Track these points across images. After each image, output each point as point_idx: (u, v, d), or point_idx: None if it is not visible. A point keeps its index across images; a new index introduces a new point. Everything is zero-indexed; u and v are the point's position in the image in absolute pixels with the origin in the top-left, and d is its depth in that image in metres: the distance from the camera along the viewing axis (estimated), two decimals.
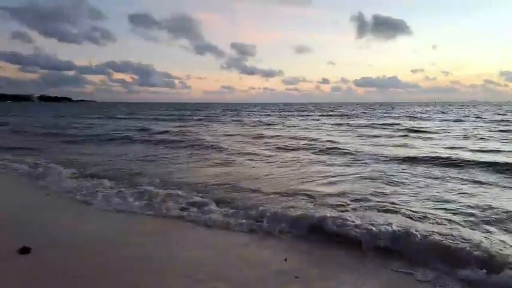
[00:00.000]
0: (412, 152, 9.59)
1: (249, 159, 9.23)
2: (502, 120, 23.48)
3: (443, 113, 39.21)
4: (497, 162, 7.72)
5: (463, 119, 26.64)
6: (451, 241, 3.51)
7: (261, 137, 15.02)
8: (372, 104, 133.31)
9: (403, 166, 7.81)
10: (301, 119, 30.05)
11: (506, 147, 10.50)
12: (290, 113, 43.07)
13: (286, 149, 11.09)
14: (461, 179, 6.57)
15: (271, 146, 11.89)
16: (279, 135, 15.38)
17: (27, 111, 52.53)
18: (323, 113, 41.70)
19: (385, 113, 41.74)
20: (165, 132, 17.52)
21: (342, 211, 4.71)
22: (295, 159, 9.18)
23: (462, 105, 76.48)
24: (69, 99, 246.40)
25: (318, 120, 29.02)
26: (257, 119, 29.73)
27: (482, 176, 6.77)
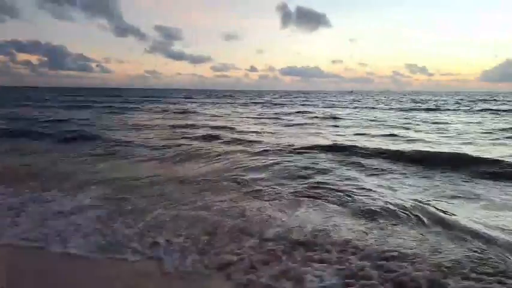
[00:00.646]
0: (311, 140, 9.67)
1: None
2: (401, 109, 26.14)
3: (358, 101, 42.28)
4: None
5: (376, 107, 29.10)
6: None
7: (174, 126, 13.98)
8: (296, 92, 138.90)
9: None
10: (218, 107, 29.53)
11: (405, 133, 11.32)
12: (212, 100, 42.25)
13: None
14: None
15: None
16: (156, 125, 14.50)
17: None
18: (247, 101, 41.89)
19: (306, 101, 43.60)
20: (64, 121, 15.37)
21: None
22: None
23: (378, 94, 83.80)
24: None
25: (236, 107, 28.98)
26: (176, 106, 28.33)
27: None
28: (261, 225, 3.83)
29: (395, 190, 5.28)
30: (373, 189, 5.21)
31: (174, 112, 22.75)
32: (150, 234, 3.62)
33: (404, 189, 5.34)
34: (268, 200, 4.76)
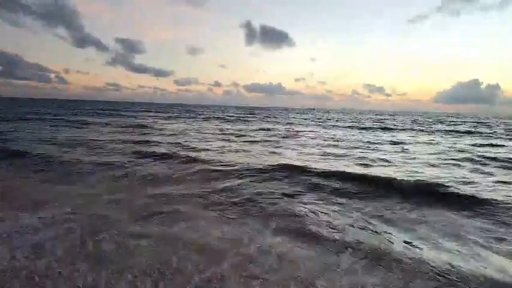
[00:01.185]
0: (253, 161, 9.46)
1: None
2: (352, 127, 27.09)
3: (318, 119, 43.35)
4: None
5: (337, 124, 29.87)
6: None
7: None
8: (260, 108, 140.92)
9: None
10: (179, 122, 28.84)
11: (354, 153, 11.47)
12: (174, 115, 41.37)
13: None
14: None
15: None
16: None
17: None
18: (209, 116, 41.55)
19: (268, 117, 44.02)
20: None
21: None
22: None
23: (338, 112, 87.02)
24: None
25: (198, 122, 28.43)
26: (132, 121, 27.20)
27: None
28: None
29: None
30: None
31: (131, 126, 21.79)
32: None
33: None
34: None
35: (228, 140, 15.63)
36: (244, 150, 12.06)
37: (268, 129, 22.77)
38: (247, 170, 8.16)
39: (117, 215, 4.84)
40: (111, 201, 5.48)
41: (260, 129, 22.66)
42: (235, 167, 8.40)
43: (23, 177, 7.20)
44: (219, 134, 18.93)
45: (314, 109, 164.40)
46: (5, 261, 3.40)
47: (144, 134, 17.58)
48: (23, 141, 12.31)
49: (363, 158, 10.89)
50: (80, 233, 4.13)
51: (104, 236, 4.05)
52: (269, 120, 37.29)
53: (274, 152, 11.76)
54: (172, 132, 18.80)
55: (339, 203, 5.85)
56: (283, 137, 17.82)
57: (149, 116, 36.92)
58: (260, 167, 8.43)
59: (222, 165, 8.72)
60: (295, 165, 8.52)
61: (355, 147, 14.08)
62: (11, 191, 5.98)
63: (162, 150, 11.14)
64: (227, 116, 44.93)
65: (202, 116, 40.60)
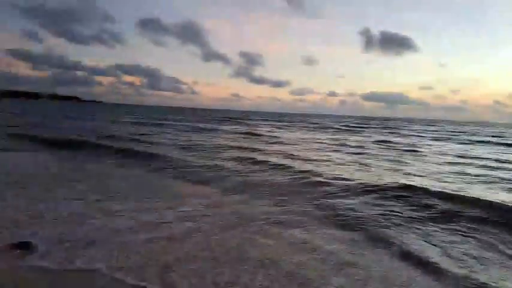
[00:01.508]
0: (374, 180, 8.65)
1: None
2: None
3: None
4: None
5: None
6: None
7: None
8: (378, 118, 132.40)
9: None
10: (293, 131, 29.27)
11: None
12: (288, 124, 42.41)
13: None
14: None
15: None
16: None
17: (60, 113, 46.09)
18: (324, 125, 41.05)
19: (386, 128, 40.90)
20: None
21: None
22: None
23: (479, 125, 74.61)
24: (77, 99, 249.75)
25: (312, 132, 28.34)
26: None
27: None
28: None
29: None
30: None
31: (249, 133, 23.26)
32: None
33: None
34: None
35: (342, 152, 15.06)
36: (360, 164, 11.41)
37: (388, 142, 21.07)
38: (364, 187, 7.64)
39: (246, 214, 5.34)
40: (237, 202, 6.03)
41: (378, 142, 21.17)
42: (351, 182, 7.98)
43: (162, 176, 8.48)
44: (332, 144, 18.47)
45: (443, 121, 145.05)
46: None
47: (260, 142, 18.52)
48: (162, 145, 14.47)
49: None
50: (212, 227, 4.67)
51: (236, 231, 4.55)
52: (389, 131, 34.59)
53: (395, 169, 10.75)
54: (286, 141, 19.24)
55: (476, 238, 4.90)
56: (405, 151, 16.20)
57: (265, 125, 38.80)
58: (379, 184, 7.79)
59: (336, 179, 8.41)
60: (420, 187, 7.56)
61: (497, 168, 11.69)
62: (155, 187, 7.11)
63: (275, 159, 11.48)
64: (342, 126, 43.67)
65: (316, 126, 40.48)
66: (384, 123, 66.13)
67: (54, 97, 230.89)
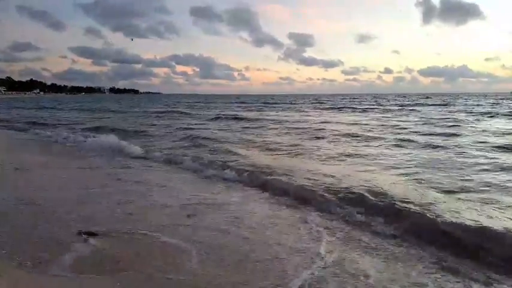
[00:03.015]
0: None
1: None
2: None
3: None
4: None
5: None
6: None
7: None
8: (438, 94, 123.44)
9: None
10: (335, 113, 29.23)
11: None
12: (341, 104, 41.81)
13: None
14: None
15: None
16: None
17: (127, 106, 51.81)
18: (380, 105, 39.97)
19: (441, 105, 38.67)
20: None
21: None
22: None
23: None
24: (136, 91, 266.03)
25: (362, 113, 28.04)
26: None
27: None
28: None
29: None
30: None
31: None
32: None
33: None
34: None
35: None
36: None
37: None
38: None
39: None
40: None
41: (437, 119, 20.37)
42: None
43: None
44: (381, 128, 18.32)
45: (511, 93, 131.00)
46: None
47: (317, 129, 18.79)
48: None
49: None
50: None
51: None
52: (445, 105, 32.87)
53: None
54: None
55: None
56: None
57: (315, 109, 38.69)
58: None
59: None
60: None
61: None
62: None
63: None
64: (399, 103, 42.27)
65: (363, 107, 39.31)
66: (441, 98, 61.97)
67: (115, 91, 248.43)
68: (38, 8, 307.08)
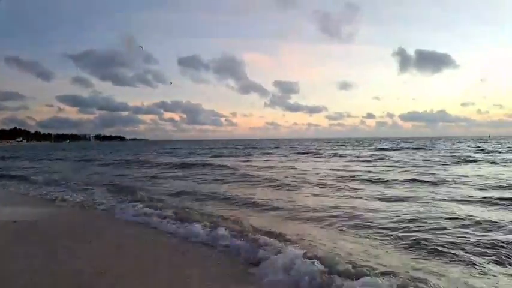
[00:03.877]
0: None
1: None
2: None
3: None
4: None
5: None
6: None
7: None
8: (418, 139, 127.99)
9: None
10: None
11: None
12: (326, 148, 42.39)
13: None
14: None
15: None
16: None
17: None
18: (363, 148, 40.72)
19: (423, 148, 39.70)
20: None
21: None
22: None
23: None
24: (122, 138, 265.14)
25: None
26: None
27: None
28: None
29: None
30: None
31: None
32: None
33: None
34: None
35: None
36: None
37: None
38: None
39: None
40: None
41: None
42: None
43: None
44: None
45: (489, 136, 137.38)
46: None
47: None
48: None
49: None
50: None
51: None
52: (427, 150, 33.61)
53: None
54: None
55: None
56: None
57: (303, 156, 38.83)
58: None
59: None
60: None
61: None
62: None
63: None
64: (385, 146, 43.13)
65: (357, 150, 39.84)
66: (423, 142, 63.92)
67: (100, 138, 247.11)
68: (27, 58, 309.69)
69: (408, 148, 42.68)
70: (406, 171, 17.33)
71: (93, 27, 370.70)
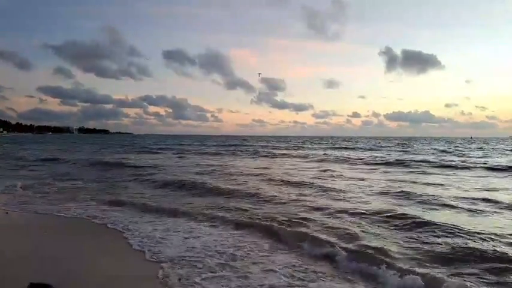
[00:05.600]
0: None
1: None
2: None
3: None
4: None
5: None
6: None
7: None
8: (402, 138, 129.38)
9: None
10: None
11: None
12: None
13: None
14: None
15: None
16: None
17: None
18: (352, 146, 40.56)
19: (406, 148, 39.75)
20: None
21: None
22: None
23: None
24: (106, 131, 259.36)
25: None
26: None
27: None
28: None
29: None
30: None
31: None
32: None
33: None
34: None
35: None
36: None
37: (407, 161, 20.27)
38: None
39: None
40: None
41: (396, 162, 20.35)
42: None
43: None
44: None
45: (471, 137, 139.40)
46: None
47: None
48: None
49: None
50: None
51: None
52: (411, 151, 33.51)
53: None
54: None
55: None
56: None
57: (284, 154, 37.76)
58: None
59: None
60: None
61: None
62: None
63: None
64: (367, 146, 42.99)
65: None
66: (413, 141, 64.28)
67: (84, 131, 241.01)
68: (5, 48, 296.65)
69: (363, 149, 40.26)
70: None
71: (74, 17, 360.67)
